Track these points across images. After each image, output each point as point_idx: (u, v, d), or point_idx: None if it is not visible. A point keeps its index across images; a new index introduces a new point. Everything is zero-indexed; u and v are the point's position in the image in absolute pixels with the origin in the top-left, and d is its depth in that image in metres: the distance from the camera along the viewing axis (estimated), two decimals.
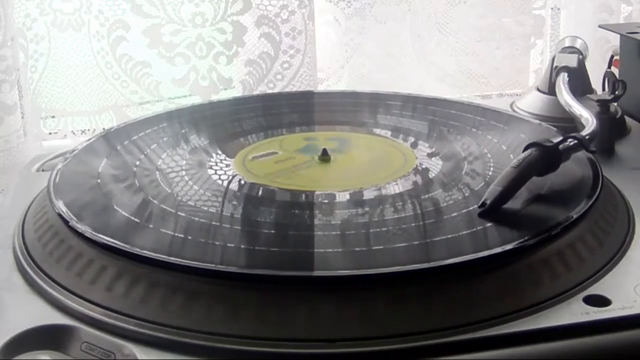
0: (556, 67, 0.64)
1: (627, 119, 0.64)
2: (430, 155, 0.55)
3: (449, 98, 0.68)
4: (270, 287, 0.38)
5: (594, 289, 0.39)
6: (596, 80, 0.66)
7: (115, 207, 0.46)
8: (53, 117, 0.75)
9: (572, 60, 0.64)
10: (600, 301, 0.38)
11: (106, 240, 0.41)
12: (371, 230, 0.43)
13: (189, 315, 0.37)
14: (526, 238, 0.41)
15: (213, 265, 0.39)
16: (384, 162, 0.54)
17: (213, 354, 0.35)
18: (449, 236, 0.42)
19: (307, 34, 0.76)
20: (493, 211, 0.44)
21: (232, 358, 0.35)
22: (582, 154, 0.50)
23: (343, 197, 0.48)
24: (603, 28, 0.71)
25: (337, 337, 0.35)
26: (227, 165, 0.54)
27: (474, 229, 0.42)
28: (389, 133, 0.60)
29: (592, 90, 0.65)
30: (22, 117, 0.70)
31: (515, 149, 0.53)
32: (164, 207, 0.46)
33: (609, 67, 0.71)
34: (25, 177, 0.57)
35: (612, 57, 0.71)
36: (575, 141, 0.49)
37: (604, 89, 0.64)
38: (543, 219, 0.43)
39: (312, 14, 0.76)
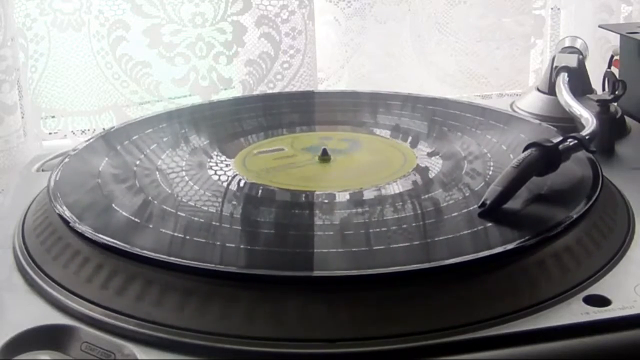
0: (556, 67, 0.64)
1: (627, 119, 0.64)
2: (430, 155, 0.55)
3: (449, 98, 0.68)
4: (270, 287, 0.38)
5: (594, 289, 0.39)
6: (596, 80, 0.66)
7: (115, 207, 0.46)
8: (53, 117, 0.75)
9: (572, 60, 0.64)
10: (600, 301, 0.38)
11: (106, 240, 0.41)
12: (371, 230, 0.43)
13: (188, 315, 0.37)
14: (526, 238, 0.41)
15: (213, 265, 0.39)
16: (384, 162, 0.54)
17: (213, 353, 0.35)
18: (449, 236, 0.42)
19: (307, 34, 0.76)
20: (493, 211, 0.44)
21: (232, 358, 0.35)
22: (582, 154, 0.50)
23: (343, 197, 0.48)
24: (603, 28, 0.71)
25: (336, 337, 0.35)
26: (227, 165, 0.54)
27: (474, 229, 0.42)
28: (388, 133, 0.60)
29: (592, 90, 0.65)
30: (22, 117, 0.70)
31: (515, 149, 0.53)
32: (164, 207, 0.46)
33: (609, 67, 0.71)
34: (25, 177, 0.57)
35: (612, 57, 0.71)
36: (575, 141, 0.49)
37: (604, 89, 0.64)
38: (543, 219, 0.43)
39: (312, 14, 0.76)
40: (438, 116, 0.62)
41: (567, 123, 0.58)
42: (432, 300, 0.37)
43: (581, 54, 0.66)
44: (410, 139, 0.58)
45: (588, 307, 0.38)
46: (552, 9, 0.86)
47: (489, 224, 0.43)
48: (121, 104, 0.74)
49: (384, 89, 0.72)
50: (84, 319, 0.38)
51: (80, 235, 0.42)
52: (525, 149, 0.47)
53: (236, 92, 0.76)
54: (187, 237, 0.42)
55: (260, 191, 0.49)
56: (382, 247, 0.41)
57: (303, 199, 0.48)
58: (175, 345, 0.36)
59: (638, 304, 0.38)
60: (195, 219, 0.45)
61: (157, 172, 0.52)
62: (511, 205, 0.44)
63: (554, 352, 0.36)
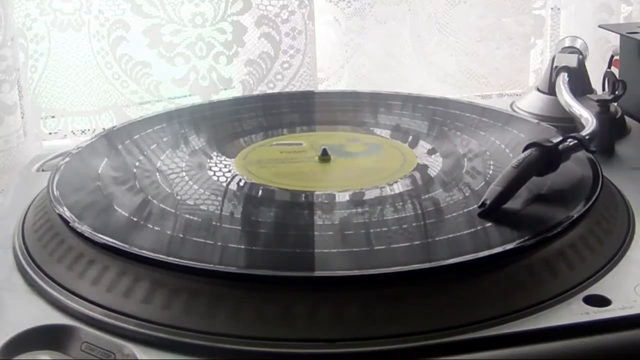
0: (556, 67, 0.64)
1: (627, 119, 0.64)
2: (430, 155, 0.55)
3: (449, 98, 0.68)
4: (271, 287, 0.38)
5: (594, 289, 0.39)
6: (596, 80, 0.66)
7: (115, 207, 0.46)
8: (53, 117, 0.75)
9: (572, 60, 0.64)
10: (600, 301, 0.38)
11: (106, 240, 0.41)
12: (371, 230, 0.43)
13: (189, 315, 0.37)
14: (526, 238, 0.41)
15: (213, 265, 0.39)
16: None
17: (213, 354, 0.35)
18: (449, 236, 0.42)
19: (307, 34, 0.76)
20: (493, 211, 0.44)
21: (232, 358, 0.35)
22: (582, 154, 0.50)
23: (343, 197, 0.48)
24: (603, 28, 0.71)
25: (337, 337, 0.35)
26: (227, 166, 0.54)
27: (474, 229, 0.42)
28: (389, 133, 0.60)
29: (592, 90, 0.65)
30: (22, 117, 0.70)
31: (515, 149, 0.53)
32: (164, 207, 0.46)
33: (609, 67, 0.71)
34: (25, 177, 0.57)
35: (612, 57, 0.71)
36: (575, 141, 0.49)
37: (604, 89, 0.64)
38: (543, 219, 0.43)
39: (312, 14, 0.76)
40: (438, 116, 0.62)
41: (567, 123, 0.58)
42: (432, 300, 0.37)
43: (581, 54, 0.66)
44: (410, 138, 0.58)
45: (588, 307, 0.38)
46: (552, 9, 0.86)
47: (489, 224, 0.43)
48: (121, 104, 0.74)
49: (384, 89, 0.72)
50: (84, 319, 0.38)
51: (80, 235, 0.42)
52: (525, 149, 0.47)
53: (236, 92, 0.76)
54: (187, 237, 0.42)
55: (260, 191, 0.49)
56: (382, 247, 0.41)
57: (303, 199, 0.48)
58: (176, 345, 0.36)
59: (638, 304, 0.38)
60: (196, 219, 0.45)
61: (157, 173, 0.52)
62: (511, 205, 0.44)
63: (554, 352, 0.36)
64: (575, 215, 0.43)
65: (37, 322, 0.37)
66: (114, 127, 0.61)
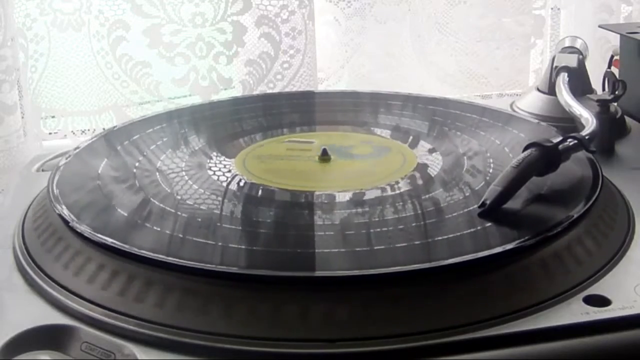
0: (556, 67, 0.64)
1: (627, 119, 0.64)
2: (430, 155, 0.55)
3: (449, 98, 0.68)
4: (270, 287, 0.38)
5: (594, 289, 0.39)
6: (596, 80, 0.66)
7: (115, 207, 0.46)
8: (53, 117, 0.75)
9: (572, 60, 0.64)
10: (600, 301, 0.38)
11: (106, 240, 0.41)
12: (371, 230, 0.43)
13: (188, 315, 0.37)
14: (526, 238, 0.41)
15: (213, 265, 0.39)
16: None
17: (213, 354, 0.35)
18: (449, 236, 0.42)
19: (307, 34, 0.76)
20: (493, 211, 0.44)
21: (232, 358, 0.35)
22: (582, 154, 0.50)
23: (343, 197, 0.48)
24: (603, 28, 0.71)
25: (336, 337, 0.35)
26: (227, 166, 0.54)
27: (474, 229, 0.42)
28: (389, 133, 0.60)
29: (592, 90, 0.65)
30: (22, 117, 0.70)
31: (515, 149, 0.53)
32: (164, 207, 0.46)
33: (609, 67, 0.71)
34: (25, 177, 0.57)
35: (612, 57, 0.71)
36: (575, 141, 0.49)
37: (604, 89, 0.64)
38: (543, 219, 0.43)
39: (312, 14, 0.76)
40: (438, 116, 0.62)
41: (567, 123, 0.58)
42: (432, 300, 0.37)
43: (581, 54, 0.66)
44: (410, 138, 0.58)
45: (588, 307, 0.38)
46: (552, 9, 0.86)
47: (489, 224, 0.43)
48: (121, 104, 0.74)
49: (384, 89, 0.72)
50: (84, 319, 0.38)
51: (80, 235, 0.42)
52: (525, 149, 0.47)
53: (236, 92, 0.76)
54: (187, 237, 0.42)
55: (260, 191, 0.49)
56: (382, 247, 0.41)
57: (303, 199, 0.48)
58: (175, 345, 0.36)
59: (638, 304, 0.38)
60: (195, 219, 0.45)
61: (157, 173, 0.52)
62: (511, 205, 0.44)
63: (554, 352, 0.36)
64: (575, 215, 0.43)
65: (37, 322, 0.37)
66: (114, 127, 0.61)
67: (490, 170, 0.51)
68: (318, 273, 0.40)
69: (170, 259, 0.39)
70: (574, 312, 0.37)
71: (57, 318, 0.38)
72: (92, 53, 0.73)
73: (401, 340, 0.35)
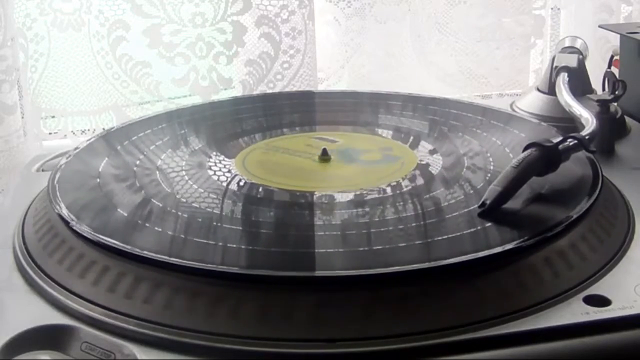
0: (556, 67, 0.64)
1: (627, 119, 0.64)
2: (430, 155, 0.55)
3: (449, 98, 0.68)
4: (271, 287, 0.38)
5: (594, 289, 0.39)
6: (596, 80, 0.66)
7: (115, 207, 0.46)
8: (53, 117, 0.75)
9: (572, 60, 0.64)
10: (600, 301, 0.38)
11: (106, 240, 0.41)
12: (371, 230, 0.43)
13: (189, 315, 0.37)
14: (526, 238, 0.41)
15: (214, 265, 0.39)
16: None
17: (213, 354, 0.35)
18: (449, 236, 0.42)
19: (307, 34, 0.76)
20: (493, 211, 0.44)
21: (233, 358, 0.35)
22: (582, 154, 0.50)
23: (343, 197, 0.48)
24: (603, 28, 0.71)
25: (337, 337, 0.35)
26: (227, 166, 0.54)
27: (474, 229, 0.42)
28: (389, 133, 0.60)
29: (592, 90, 0.65)
30: (22, 117, 0.70)
31: (515, 149, 0.53)
32: (164, 207, 0.46)
33: (609, 67, 0.71)
34: (25, 177, 0.57)
35: (612, 57, 0.71)
36: (575, 141, 0.49)
37: (604, 89, 0.64)
38: (543, 219, 0.43)
39: (312, 14, 0.76)
40: (438, 116, 0.62)
41: (567, 123, 0.58)
42: (432, 300, 0.37)
43: (581, 54, 0.66)
44: (410, 138, 0.58)
45: (588, 307, 0.38)
46: (552, 9, 0.86)
47: (489, 224, 0.43)
48: (121, 104, 0.74)
49: (384, 89, 0.72)
50: (84, 319, 0.38)
51: (80, 236, 0.42)
52: (525, 149, 0.47)
53: (236, 92, 0.76)
54: (188, 238, 0.42)
55: (260, 191, 0.49)
56: (382, 247, 0.41)
57: (303, 199, 0.48)
58: (176, 345, 0.36)
59: (638, 304, 0.38)
60: (196, 219, 0.45)
61: (157, 173, 0.52)
62: (511, 205, 0.44)
63: (554, 352, 0.36)
64: (575, 215, 0.43)
65: (37, 322, 0.37)
66: (113, 127, 0.61)
67: (490, 171, 0.51)
68: (318, 273, 0.40)
69: (172, 260, 0.39)
70: (574, 312, 0.37)
71: (57, 318, 0.38)
72: (92, 53, 0.73)
73: (401, 340, 0.35)
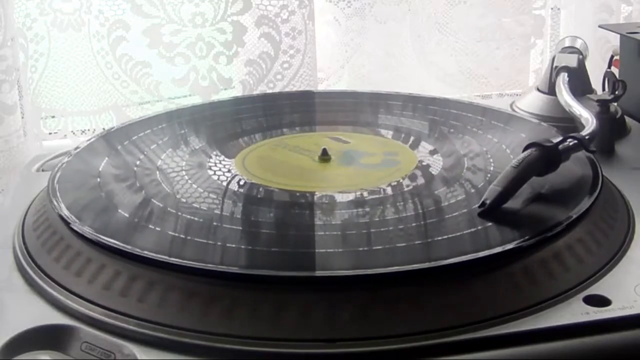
0: (556, 67, 0.64)
1: (627, 119, 0.64)
2: (430, 155, 0.55)
3: (449, 98, 0.68)
4: (270, 287, 0.38)
5: (594, 289, 0.39)
6: (596, 80, 0.66)
7: (115, 207, 0.46)
8: (53, 117, 0.75)
9: (572, 60, 0.64)
10: (600, 301, 0.38)
11: (106, 240, 0.41)
12: (371, 230, 0.43)
13: (188, 315, 0.37)
14: (526, 238, 0.41)
15: (213, 265, 0.39)
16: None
17: (212, 353, 0.35)
18: (449, 236, 0.42)
19: (307, 34, 0.76)
20: (493, 211, 0.44)
21: (232, 358, 0.35)
22: (582, 154, 0.50)
23: (343, 197, 0.48)
24: (603, 28, 0.71)
25: (336, 337, 0.35)
26: (227, 166, 0.54)
27: (474, 229, 0.42)
28: (389, 133, 0.60)
29: (592, 90, 0.65)
30: (22, 117, 0.70)
31: (515, 149, 0.53)
32: (164, 207, 0.46)
33: (609, 67, 0.71)
34: (25, 177, 0.57)
35: (612, 57, 0.71)
36: (575, 141, 0.49)
37: (604, 89, 0.64)
38: (543, 219, 0.43)
39: (312, 14, 0.76)
40: (438, 116, 0.62)
41: (567, 123, 0.58)
42: (432, 300, 0.37)
43: (581, 54, 0.66)
44: (410, 138, 0.58)
45: (588, 307, 0.38)
46: (552, 9, 0.86)
47: (489, 224, 0.43)
48: (121, 104, 0.74)
49: (384, 89, 0.72)
50: (84, 319, 0.38)
51: (80, 236, 0.42)
52: (525, 149, 0.47)
53: (236, 92, 0.76)
54: (188, 238, 0.42)
55: (260, 191, 0.49)
56: (382, 247, 0.41)
57: (303, 199, 0.48)
58: (175, 345, 0.36)
59: (638, 304, 0.38)
60: (196, 219, 0.45)
61: (157, 172, 0.52)
62: (511, 205, 0.44)
63: (554, 352, 0.36)
64: (575, 215, 0.43)
65: (37, 322, 0.37)
66: (114, 127, 0.61)
67: (490, 171, 0.51)
68: (317, 273, 0.40)
69: (171, 259, 0.39)
70: (574, 312, 0.37)
71: (57, 318, 0.38)
72: (92, 53, 0.73)
73: (401, 340, 0.35)
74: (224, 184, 0.50)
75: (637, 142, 0.61)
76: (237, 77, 0.76)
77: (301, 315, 0.36)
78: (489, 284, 0.38)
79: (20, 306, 0.40)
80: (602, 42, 0.82)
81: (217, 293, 0.37)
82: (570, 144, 0.48)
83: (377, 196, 0.48)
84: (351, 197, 0.48)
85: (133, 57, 0.73)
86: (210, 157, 0.55)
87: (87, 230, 0.42)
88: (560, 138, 0.48)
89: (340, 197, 0.48)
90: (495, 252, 0.39)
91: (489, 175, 0.50)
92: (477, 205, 0.44)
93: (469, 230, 0.42)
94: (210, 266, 0.38)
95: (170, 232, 0.43)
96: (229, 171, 0.52)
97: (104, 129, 0.71)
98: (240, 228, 0.44)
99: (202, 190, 0.49)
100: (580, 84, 0.63)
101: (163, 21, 0.73)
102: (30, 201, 0.51)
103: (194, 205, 0.47)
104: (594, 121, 0.53)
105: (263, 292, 0.37)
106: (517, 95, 0.83)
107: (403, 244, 0.41)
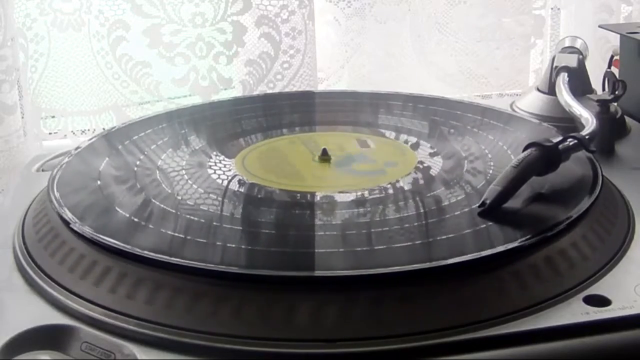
0: (556, 67, 0.64)
1: (627, 119, 0.64)
2: (430, 155, 0.55)
3: (449, 98, 0.68)
4: (271, 287, 0.38)
5: (594, 289, 0.39)
6: (596, 80, 0.66)
7: (115, 207, 0.46)
8: (53, 117, 0.75)
9: (572, 60, 0.64)
10: (600, 301, 0.38)
11: (106, 240, 0.41)
12: (372, 230, 0.43)
13: (189, 315, 0.37)
14: (526, 237, 0.41)
15: (214, 265, 0.39)
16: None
17: (213, 354, 0.35)
18: (449, 236, 0.42)
19: (307, 34, 0.76)
20: (493, 211, 0.44)
21: (233, 358, 0.35)
22: (582, 154, 0.50)
23: (344, 197, 0.48)
24: (603, 28, 0.71)
25: (338, 337, 0.35)
26: (227, 166, 0.54)
27: (474, 229, 0.42)
28: (389, 133, 0.60)
29: (592, 90, 0.65)
30: (22, 117, 0.70)
31: (515, 149, 0.53)
32: (165, 207, 0.46)
33: (609, 67, 0.71)
34: (25, 177, 0.57)
35: (612, 57, 0.71)
36: (575, 141, 0.49)
37: (604, 89, 0.64)
38: (543, 219, 0.43)
39: (312, 14, 0.76)
40: (438, 116, 0.62)
41: (567, 123, 0.58)
42: (432, 300, 0.37)
43: (581, 54, 0.66)
44: (410, 138, 0.58)
45: (588, 307, 0.38)
46: (552, 9, 0.86)
47: (489, 224, 0.43)
48: (121, 104, 0.74)
49: (384, 89, 0.72)
50: (84, 319, 0.38)
51: (80, 236, 0.42)
52: (525, 148, 0.47)
53: (236, 92, 0.76)
54: (188, 238, 0.42)
55: (260, 191, 0.49)
56: (382, 247, 0.41)
57: (303, 199, 0.48)
58: (176, 345, 0.36)
59: (638, 304, 0.38)
60: (196, 219, 0.45)
61: (158, 173, 0.52)
62: (511, 205, 0.44)
63: (554, 352, 0.36)
64: (575, 215, 0.43)
65: (37, 322, 0.37)
66: (114, 127, 0.61)
67: (491, 170, 0.51)
68: (319, 273, 0.40)
69: (172, 260, 0.39)
70: (574, 312, 0.37)
71: (57, 318, 0.38)
72: (92, 53, 0.73)
73: (401, 340, 0.35)
74: (224, 184, 0.50)
75: (637, 142, 0.61)
76: (237, 77, 0.76)
77: (302, 315, 0.36)
78: (488, 284, 0.38)
79: (20, 306, 0.40)
80: (602, 42, 0.82)
81: (217, 293, 0.37)
82: (570, 143, 0.48)
83: (377, 196, 0.48)
84: (352, 197, 0.48)
85: (133, 57, 0.73)
86: (211, 157, 0.55)
87: (87, 230, 0.42)
88: (560, 138, 0.48)
89: (340, 197, 0.48)
90: (495, 252, 0.39)
91: (488, 175, 0.50)
92: (477, 205, 0.44)
93: (469, 230, 0.42)
94: (211, 266, 0.38)
95: (170, 233, 0.43)
96: (229, 171, 0.52)
97: (104, 129, 0.71)
98: (242, 228, 0.44)
99: (202, 191, 0.49)
100: (580, 84, 0.63)
101: (163, 21, 0.73)
102: (30, 201, 0.50)
103: (195, 205, 0.47)
104: (594, 121, 0.53)
105: (263, 292, 0.37)
106: (517, 95, 0.83)
107: (404, 244, 0.41)
